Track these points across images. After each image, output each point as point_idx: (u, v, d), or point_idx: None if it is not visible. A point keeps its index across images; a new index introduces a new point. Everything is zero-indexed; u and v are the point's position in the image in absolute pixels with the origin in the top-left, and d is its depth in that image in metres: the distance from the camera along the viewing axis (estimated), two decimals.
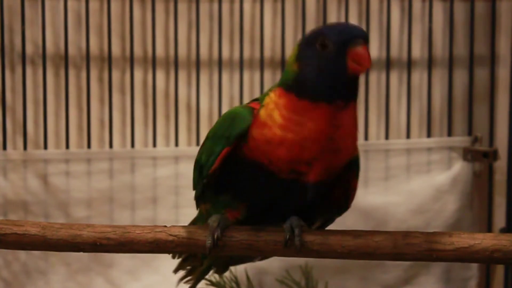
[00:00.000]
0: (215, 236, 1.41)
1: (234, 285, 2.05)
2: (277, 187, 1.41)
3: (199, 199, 1.55)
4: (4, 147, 2.19)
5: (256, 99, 1.48)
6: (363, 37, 1.34)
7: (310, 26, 2.25)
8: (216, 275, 2.06)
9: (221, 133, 1.45)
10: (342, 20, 2.25)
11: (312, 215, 1.49)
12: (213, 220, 1.43)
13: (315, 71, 1.36)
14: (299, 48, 1.41)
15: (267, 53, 2.25)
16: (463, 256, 1.40)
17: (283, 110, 1.38)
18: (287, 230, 1.41)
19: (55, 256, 2.17)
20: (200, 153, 1.51)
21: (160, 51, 2.24)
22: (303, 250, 1.40)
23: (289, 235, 1.40)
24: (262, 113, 1.39)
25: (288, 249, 1.41)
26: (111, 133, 2.22)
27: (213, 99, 2.25)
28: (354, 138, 1.42)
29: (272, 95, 1.40)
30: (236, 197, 1.46)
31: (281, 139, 1.37)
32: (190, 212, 2.20)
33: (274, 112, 1.38)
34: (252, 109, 1.43)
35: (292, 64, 1.40)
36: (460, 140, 2.26)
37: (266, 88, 2.25)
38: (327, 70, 1.35)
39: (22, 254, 2.16)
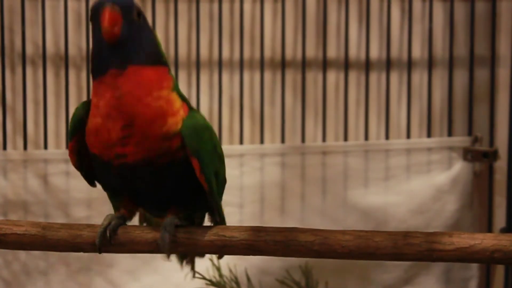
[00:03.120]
0: (106, 233, 1.41)
1: (234, 285, 2.06)
2: (118, 175, 1.40)
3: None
4: (4, 147, 2.19)
5: None
6: (112, 2, 1.32)
7: (310, 26, 2.25)
8: (216, 275, 2.06)
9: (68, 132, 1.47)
10: (342, 20, 2.25)
11: (193, 205, 1.47)
12: (104, 219, 1.44)
13: (92, 49, 1.38)
14: None
15: (267, 53, 2.25)
16: (463, 256, 1.40)
17: (92, 97, 1.39)
18: (161, 229, 1.41)
19: (55, 256, 2.17)
20: None
21: None
22: (173, 250, 1.41)
23: (160, 234, 1.40)
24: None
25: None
26: None
27: (213, 99, 2.25)
28: (153, 108, 1.35)
29: None
30: (112, 192, 1.49)
31: (93, 127, 1.38)
32: None
33: (91, 103, 1.40)
34: (89, 102, 1.42)
35: None
36: (460, 140, 2.26)
37: (266, 88, 2.25)
38: (94, 44, 1.37)
39: (22, 254, 2.16)
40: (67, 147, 2.20)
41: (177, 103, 1.38)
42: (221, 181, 1.49)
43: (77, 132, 1.42)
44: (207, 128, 1.42)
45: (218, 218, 1.48)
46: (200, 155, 1.38)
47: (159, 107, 1.35)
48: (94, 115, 1.37)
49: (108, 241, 1.41)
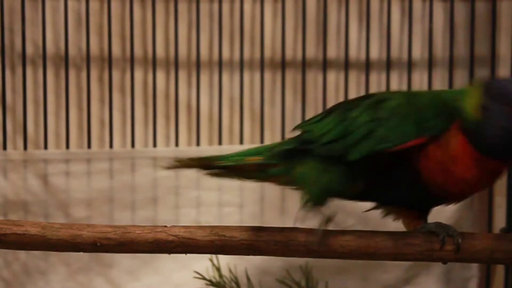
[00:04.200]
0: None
1: (234, 285, 2.06)
2: (419, 197, 1.44)
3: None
4: (4, 147, 2.19)
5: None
6: None
7: (310, 26, 2.25)
8: (216, 275, 2.06)
9: (424, 117, 1.41)
10: (342, 20, 2.25)
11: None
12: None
13: (501, 131, 1.37)
14: (482, 96, 1.39)
15: (267, 53, 2.25)
16: (463, 256, 1.40)
17: (460, 152, 1.39)
18: (440, 233, 1.43)
19: (55, 256, 2.17)
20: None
21: (160, 51, 2.24)
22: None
23: (444, 236, 1.42)
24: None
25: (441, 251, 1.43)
26: (111, 133, 2.22)
27: (213, 99, 2.25)
28: None
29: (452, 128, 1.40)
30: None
31: (456, 178, 1.41)
32: (190, 212, 2.21)
33: (453, 145, 1.39)
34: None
35: (474, 107, 1.39)
36: None
37: (266, 88, 2.25)
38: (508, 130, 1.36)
39: (22, 254, 2.16)
40: (67, 147, 2.21)
41: None
42: None
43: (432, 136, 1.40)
44: None
45: None
46: None
47: None
48: (460, 169, 1.40)
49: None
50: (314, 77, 2.26)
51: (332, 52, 2.26)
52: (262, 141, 2.23)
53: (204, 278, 2.04)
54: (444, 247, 1.41)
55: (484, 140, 1.37)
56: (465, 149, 1.38)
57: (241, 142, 2.23)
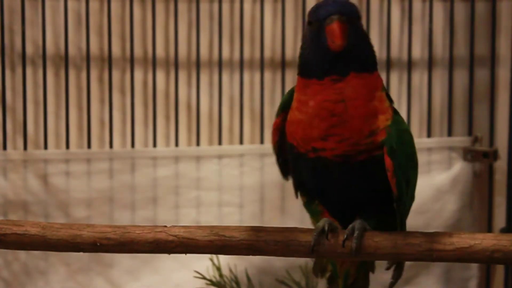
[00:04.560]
0: (324, 230, 1.41)
1: (234, 285, 2.06)
2: (310, 168, 1.42)
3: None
4: (4, 147, 2.19)
5: None
6: (340, 13, 1.34)
7: None
8: (217, 275, 2.06)
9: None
10: None
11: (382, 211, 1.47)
12: (319, 222, 1.44)
13: (305, 49, 1.41)
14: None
15: (267, 53, 2.25)
16: (463, 256, 1.40)
17: (296, 92, 1.42)
18: (348, 230, 1.41)
19: (55, 256, 2.17)
20: None
21: (160, 51, 2.24)
22: (359, 253, 1.40)
23: (347, 235, 1.40)
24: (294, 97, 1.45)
25: (344, 249, 1.41)
26: (111, 133, 2.22)
27: (213, 99, 2.25)
28: (369, 109, 1.38)
29: None
30: (302, 190, 1.50)
31: (296, 120, 1.41)
32: (190, 212, 2.21)
33: (294, 95, 1.43)
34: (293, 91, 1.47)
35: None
36: (460, 140, 2.26)
37: (266, 88, 2.25)
38: (312, 47, 1.39)
39: (22, 254, 2.16)
40: (67, 147, 2.21)
41: (386, 102, 1.42)
42: (410, 194, 1.48)
43: (282, 112, 1.46)
44: (410, 133, 1.45)
45: (399, 228, 1.47)
46: (397, 156, 1.39)
47: (373, 107, 1.39)
48: (298, 110, 1.41)
49: (326, 237, 1.41)
50: None
51: None
52: (262, 141, 2.23)
53: (204, 278, 2.04)
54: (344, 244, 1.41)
55: (300, 65, 1.42)
56: (298, 87, 1.42)
57: (241, 142, 2.23)
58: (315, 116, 1.38)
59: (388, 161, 1.39)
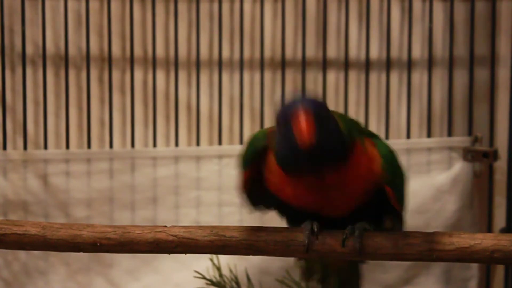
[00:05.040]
0: (313, 231, 1.41)
1: (234, 285, 2.06)
2: (305, 213, 1.42)
3: None
4: (4, 147, 2.19)
5: None
6: (304, 110, 1.30)
7: (310, 26, 2.25)
8: (217, 275, 2.06)
9: (241, 156, 1.48)
10: (342, 21, 2.25)
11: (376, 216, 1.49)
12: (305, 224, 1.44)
13: (279, 149, 1.37)
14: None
15: (267, 53, 2.25)
16: (463, 256, 1.40)
17: (274, 169, 1.41)
18: (348, 230, 1.41)
19: (55, 256, 2.17)
20: None
21: (160, 51, 2.24)
22: (362, 252, 1.40)
23: (347, 234, 1.40)
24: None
25: (346, 249, 1.41)
26: (111, 133, 2.22)
27: (213, 99, 2.25)
28: (361, 179, 1.39)
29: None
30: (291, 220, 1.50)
31: (282, 189, 1.41)
32: (190, 212, 2.21)
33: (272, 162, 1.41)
34: (266, 133, 1.44)
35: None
36: (460, 140, 2.25)
37: (266, 88, 2.25)
38: (283, 143, 1.35)
39: (22, 254, 2.16)
40: (67, 147, 2.21)
41: (369, 147, 1.40)
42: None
43: (252, 162, 1.44)
44: (394, 153, 1.45)
45: (398, 227, 1.49)
46: (396, 184, 1.41)
47: (365, 171, 1.38)
48: (282, 184, 1.39)
49: (316, 237, 1.41)
50: (314, 77, 2.26)
51: (332, 52, 2.26)
52: None
53: (204, 278, 2.04)
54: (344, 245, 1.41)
55: (278, 161, 1.38)
56: (277, 168, 1.39)
57: (241, 142, 2.23)
58: (303, 198, 1.39)
59: (390, 192, 1.41)
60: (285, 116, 1.32)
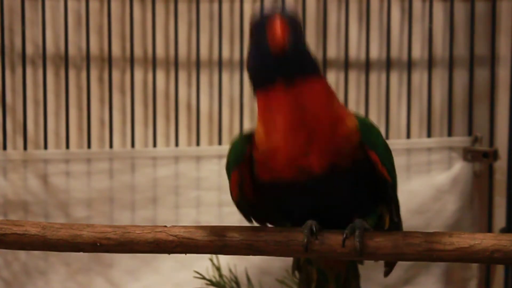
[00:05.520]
0: (312, 230, 1.41)
1: (234, 285, 2.06)
2: (302, 195, 1.41)
3: None
4: (4, 147, 2.19)
5: None
6: (280, 16, 1.33)
7: (310, 26, 2.25)
8: (216, 275, 2.06)
9: (227, 164, 1.49)
10: (342, 21, 2.25)
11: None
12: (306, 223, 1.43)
13: (250, 60, 1.40)
14: None
15: None
16: (463, 256, 1.40)
17: (258, 114, 1.41)
18: (348, 230, 1.40)
19: (55, 256, 2.17)
20: None
21: (160, 51, 2.24)
22: (363, 252, 1.39)
23: (347, 234, 1.40)
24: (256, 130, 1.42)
25: (346, 249, 1.40)
26: (111, 133, 2.22)
27: (213, 99, 2.25)
28: (332, 112, 1.38)
29: None
30: (287, 217, 1.49)
31: (271, 148, 1.39)
32: (190, 212, 2.21)
33: (258, 121, 1.42)
34: (248, 134, 1.45)
35: None
36: (460, 140, 2.26)
37: None
38: (254, 55, 1.38)
39: (22, 254, 2.16)
40: (67, 147, 2.21)
41: (344, 106, 1.43)
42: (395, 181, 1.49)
43: (237, 165, 1.44)
44: (374, 124, 1.46)
45: (396, 218, 1.48)
46: (378, 147, 1.40)
47: (337, 110, 1.38)
48: (269, 133, 1.38)
49: (315, 237, 1.40)
50: None
51: (332, 52, 2.26)
52: None
53: (204, 278, 2.04)
54: (344, 245, 1.40)
55: (250, 78, 1.41)
56: (258, 106, 1.42)
57: None
58: (290, 129, 1.37)
59: (373, 155, 1.40)
60: (260, 24, 1.35)
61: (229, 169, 1.47)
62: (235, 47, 2.25)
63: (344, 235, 1.40)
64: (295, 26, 1.37)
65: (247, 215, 1.55)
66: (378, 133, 1.44)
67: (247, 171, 1.45)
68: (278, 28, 1.31)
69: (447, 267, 2.24)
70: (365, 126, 1.41)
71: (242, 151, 1.44)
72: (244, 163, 1.44)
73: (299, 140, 1.37)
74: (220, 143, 2.23)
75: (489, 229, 2.27)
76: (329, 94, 1.39)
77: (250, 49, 1.40)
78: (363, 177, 1.42)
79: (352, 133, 1.39)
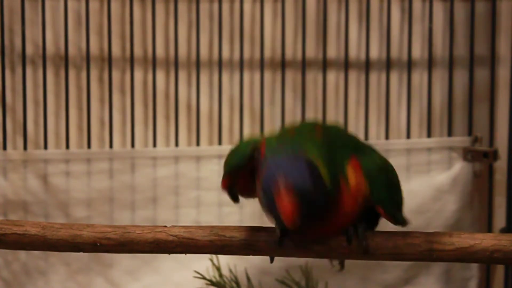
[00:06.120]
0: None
1: (234, 285, 2.06)
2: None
3: None
4: (4, 147, 2.19)
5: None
6: (291, 188, 1.25)
7: (310, 26, 2.25)
8: (216, 275, 2.06)
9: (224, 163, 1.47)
10: (342, 21, 2.25)
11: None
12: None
13: (267, 206, 1.35)
14: None
15: (267, 53, 2.25)
16: (463, 256, 1.40)
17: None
18: (349, 230, 1.40)
19: (55, 256, 2.17)
20: None
21: (160, 51, 2.24)
22: (368, 252, 1.40)
23: (350, 233, 1.39)
24: None
25: (349, 249, 1.40)
26: (111, 133, 2.22)
27: (213, 99, 2.25)
28: (348, 213, 1.37)
29: None
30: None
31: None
32: (190, 212, 2.21)
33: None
34: (254, 145, 1.42)
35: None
36: (460, 140, 2.26)
37: (266, 88, 2.25)
38: (273, 213, 1.33)
39: (22, 254, 2.16)
40: (67, 147, 2.21)
41: (353, 174, 1.37)
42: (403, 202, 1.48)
43: (234, 172, 1.44)
44: (381, 165, 1.43)
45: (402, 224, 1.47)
46: (385, 201, 1.39)
47: (351, 205, 1.37)
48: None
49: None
50: (314, 77, 2.26)
51: (332, 52, 2.26)
52: None
53: (204, 278, 2.04)
54: (350, 245, 1.40)
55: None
56: None
57: None
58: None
59: (379, 209, 1.40)
60: (269, 188, 1.30)
61: (225, 172, 1.46)
62: (235, 47, 2.25)
63: (348, 234, 1.39)
64: (304, 189, 1.27)
65: (234, 198, 1.54)
66: (388, 181, 1.43)
67: (244, 175, 1.45)
68: (287, 207, 1.26)
69: (447, 267, 2.24)
70: (373, 182, 1.38)
71: (243, 163, 1.43)
72: (240, 171, 1.44)
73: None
74: (220, 143, 2.23)
75: (489, 229, 2.27)
76: (342, 203, 1.35)
77: (265, 200, 1.33)
78: (365, 212, 1.43)
79: (365, 197, 1.38)
